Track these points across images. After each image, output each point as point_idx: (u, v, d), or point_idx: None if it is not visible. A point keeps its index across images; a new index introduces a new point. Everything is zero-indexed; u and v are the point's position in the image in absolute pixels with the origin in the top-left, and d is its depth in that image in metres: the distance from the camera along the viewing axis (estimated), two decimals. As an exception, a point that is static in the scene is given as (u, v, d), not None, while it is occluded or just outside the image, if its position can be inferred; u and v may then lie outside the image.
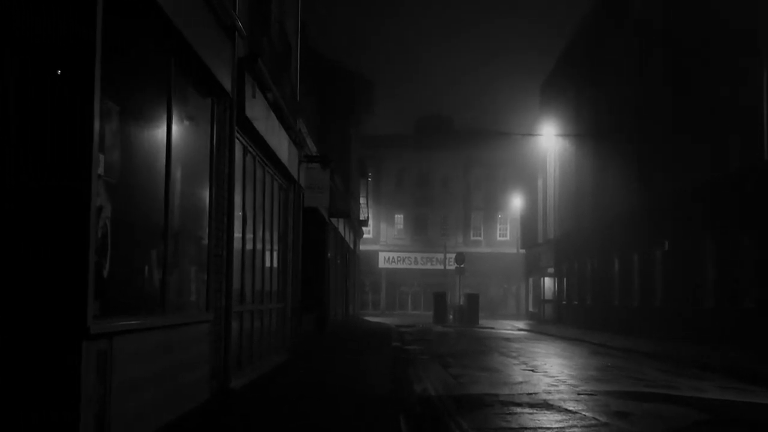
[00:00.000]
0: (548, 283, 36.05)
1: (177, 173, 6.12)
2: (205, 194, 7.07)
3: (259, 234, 10.05)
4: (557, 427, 6.68)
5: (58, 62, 4.14)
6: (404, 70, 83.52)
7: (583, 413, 7.42)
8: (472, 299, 33.17)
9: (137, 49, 5.22)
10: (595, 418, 7.14)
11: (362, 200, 36.29)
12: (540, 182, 37.17)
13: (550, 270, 35.22)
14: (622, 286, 24.87)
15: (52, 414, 4.05)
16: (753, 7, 16.40)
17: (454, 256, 38.85)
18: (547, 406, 7.87)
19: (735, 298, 17.00)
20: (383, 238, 49.41)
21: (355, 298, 37.24)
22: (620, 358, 15.04)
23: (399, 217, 49.88)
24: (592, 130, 28.17)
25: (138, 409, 5.05)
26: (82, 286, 4.11)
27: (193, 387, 6.56)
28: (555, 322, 32.76)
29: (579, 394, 8.87)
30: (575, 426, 6.75)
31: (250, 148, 9.04)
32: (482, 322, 33.93)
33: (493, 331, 27.52)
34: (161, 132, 5.74)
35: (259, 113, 8.90)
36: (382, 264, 48.85)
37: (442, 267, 45.78)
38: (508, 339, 21.77)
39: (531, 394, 8.81)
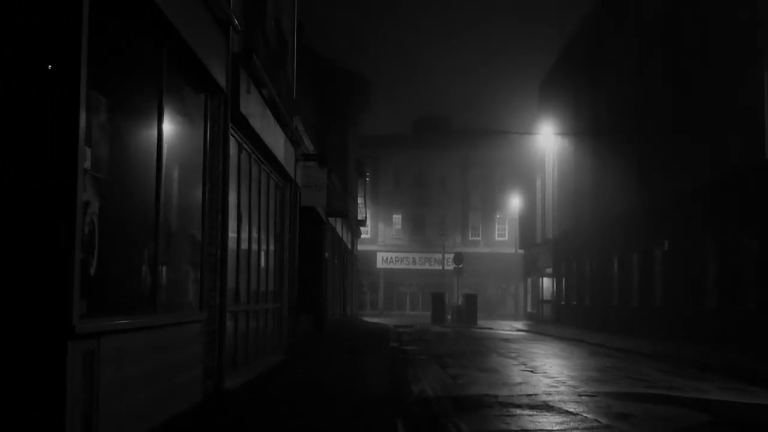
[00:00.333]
0: (547, 283, 35.95)
1: (169, 169, 5.98)
2: (199, 191, 6.93)
3: (255, 233, 9.91)
4: (558, 429, 6.55)
5: (42, 51, 4.00)
6: (402, 71, 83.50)
7: (584, 415, 7.29)
8: (471, 299, 33.06)
9: (127, 41, 5.08)
10: (596, 420, 7.01)
11: (360, 200, 36.17)
12: (538, 182, 37.07)
13: (549, 270, 35.12)
14: (621, 286, 24.77)
15: (37, 415, 3.92)
16: (753, 6, 16.31)
17: (452, 256, 38.75)
18: (547, 407, 7.74)
19: (736, 299, 16.89)
20: (381, 238, 49.29)
21: (353, 298, 37.11)
22: (620, 358, 14.92)
23: (397, 217, 49.77)
24: (591, 130, 28.07)
25: (128, 410, 4.91)
26: (67, 284, 3.97)
27: (186, 388, 6.42)
28: (553, 322, 32.66)
29: (579, 395, 8.74)
30: (576, 428, 6.62)
31: (245, 145, 8.90)
32: (480, 322, 33.83)
33: (491, 331, 27.42)
34: (152, 127, 5.59)
35: (255, 110, 8.76)
36: (380, 264, 48.73)
37: (440, 267, 45.69)
38: (506, 339, 21.66)
39: (531, 395, 8.69)
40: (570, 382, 10.08)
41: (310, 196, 14.48)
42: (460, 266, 36.61)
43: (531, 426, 6.72)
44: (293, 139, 12.38)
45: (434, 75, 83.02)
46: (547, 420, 7.01)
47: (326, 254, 21.27)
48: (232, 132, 8.09)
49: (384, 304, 48.70)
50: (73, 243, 3.99)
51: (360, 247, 42.69)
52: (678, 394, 9.03)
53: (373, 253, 48.35)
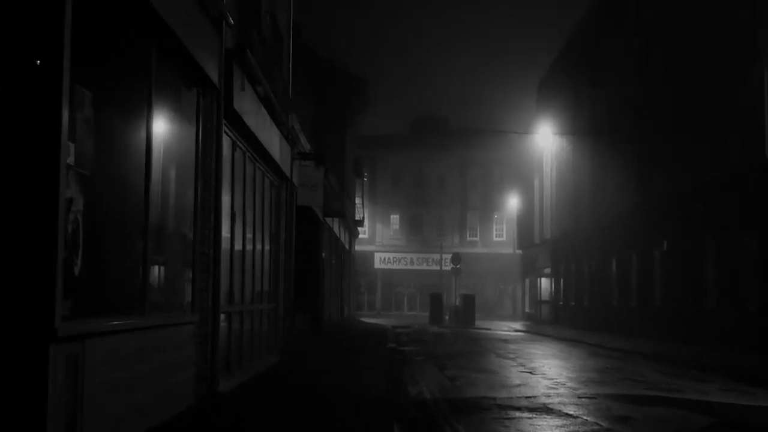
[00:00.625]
0: (545, 283, 35.84)
1: (159, 166, 5.82)
2: (191, 189, 6.78)
3: (250, 232, 9.76)
4: (558, 433, 6.42)
5: (23, 41, 3.84)
6: (401, 70, 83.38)
7: (584, 418, 7.16)
8: (468, 300, 32.94)
9: (114, 34, 4.93)
10: (597, 423, 6.87)
11: (358, 200, 36.02)
12: (537, 182, 36.96)
13: (547, 270, 35.00)
14: (620, 286, 24.66)
15: (17, 421, 3.76)
16: (753, 6, 16.21)
17: (450, 256, 38.62)
18: (546, 410, 7.60)
19: (735, 299, 16.78)
20: (379, 238, 49.15)
21: (351, 298, 36.96)
22: (619, 359, 14.80)
23: (395, 218, 49.63)
24: (590, 129, 27.96)
25: (116, 415, 4.75)
26: (49, 284, 3.81)
27: (178, 390, 6.27)
28: (552, 322, 32.54)
29: (579, 397, 8.61)
30: None
31: (239, 143, 8.75)
32: (478, 323, 33.72)
33: (489, 332, 27.29)
34: (141, 122, 5.44)
35: (249, 107, 8.61)
36: (377, 264, 48.58)
37: (438, 267, 45.55)
38: (504, 340, 21.53)
39: (530, 397, 8.55)
40: (569, 384, 9.95)
41: (306, 195, 14.33)
42: (458, 266, 36.49)
43: (530, 429, 6.58)
44: (289, 138, 12.23)
45: (433, 75, 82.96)
46: (546, 423, 6.87)
47: (323, 254, 21.12)
48: (226, 129, 7.94)
49: (382, 304, 48.55)
50: (55, 241, 3.84)
51: (358, 248, 42.54)
52: (678, 396, 8.90)
53: (371, 254, 48.21)
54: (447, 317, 35.28)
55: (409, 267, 48.82)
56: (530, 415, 7.25)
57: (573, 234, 30.32)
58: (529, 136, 36.68)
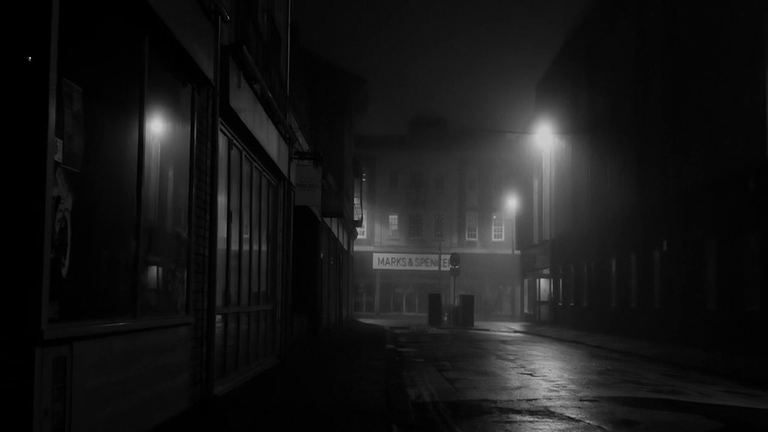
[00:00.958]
0: (544, 284, 35.73)
1: (152, 164, 5.67)
2: (185, 188, 6.62)
3: (246, 232, 9.61)
4: (561, 437, 6.28)
5: (7, 31, 3.69)
6: (399, 71, 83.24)
7: (587, 421, 7.01)
8: (467, 301, 32.82)
9: (104, 25, 4.77)
10: (600, 427, 6.73)
11: (356, 200, 35.89)
12: (536, 183, 36.85)
13: (546, 271, 34.89)
14: (619, 287, 24.54)
15: (1, 428, 3.60)
16: (754, 6, 16.10)
17: (448, 257, 38.49)
18: (548, 413, 7.46)
19: (736, 300, 16.66)
20: (377, 239, 49.00)
21: (349, 299, 36.81)
22: (620, 361, 14.67)
23: (393, 218, 49.49)
24: (589, 130, 27.85)
25: (105, 421, 4.60)
26: (35, 286, 3.66)
27: (171, 395, 6.11)
28: (551, 323, 32.43)
29: (581, 400, 8.47)
30: (580, 436, 6.35)
31: (235, 142, 8.60)
32: (477, 323, 33.61)
33: (488, 333, 27.18)
34: (133, 118, 5.29)
35: (245, 104, 8.46)
36: (376, 265, 48.43)
37: (436, 268, 45.42)
38: (504, 341, 21.41)
39: (531, 400, 8.41)
40: (570, 386, 9.81)
41: (304, 195, 14.17)
42: (457, 267, 36.36)
43: (532, 434, 6.45)
44: (287, 137, 12.08)
45: (431, 75, 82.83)
46: (548, 427, 6.73)
47: (321, 255, 20.97)
48: (222, 127, 7.79)
49: (380, 305, 48.40)
50: (41, 241, 3.69)
51: (356, 248, 42.39)
52: (683, 399, 8.77)
53: (369, 254, 48.06)
54: (446, 318, 35.15)
55: (407, 268, 48.68)
56: (532, 419, 7.11)
57: (572, 234, 30.20)
58: (529, 137, 36.58)
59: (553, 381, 10.45)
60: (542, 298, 35.74)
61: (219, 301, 7.84)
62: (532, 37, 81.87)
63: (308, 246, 18.45)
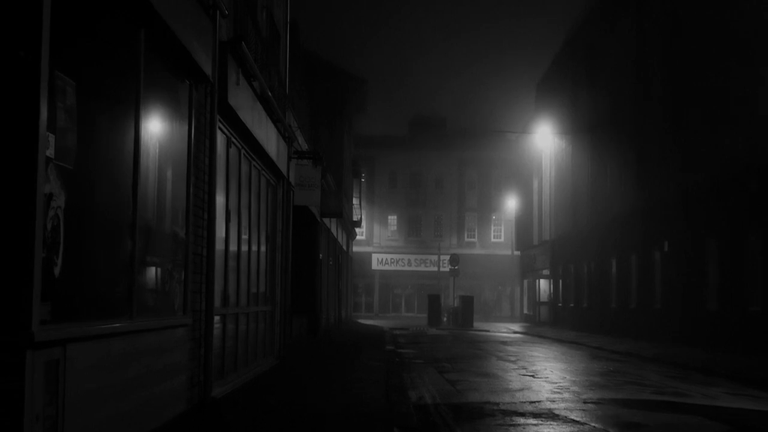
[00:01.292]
0: (544, 285, 35.62)
1: (148, 161, 5.54)
2: (183, 186, 6.49)
3: (245, 232, 9.48)
4: (566, 441, 6.16)
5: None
6: (398, 71, 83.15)
7: (592, 424, 6.89)
8: (467, 301, 32.70)
9: (98, 17, 4.64)
10: (605, 430, 6.61)
11: (355, 201, 35.75)
12: (535, 183, 36.74)
13: (546, 272, 34.78)
14: (619, 287, 24.43)
15: (-9, 434, 3.48)
16: (755, 4, 16.00)
17: (448, 257, 38.37)
18: (552, 416, 7.33)
19: (738, 301, 16.55)
20: (376, 239, 48.87)
21: (348, 300, 36.67)
22: (621, 362, 14.56)
23: (392, 219, 49.36)
24: (589, 130, 27.75)
25: (99, 425, 4.47)
26: (26, 286, 3.53)
27: (168, 397, 5.98)
28: (550, 324, 32.31)
29: (585, 402, 8.35)
30: (585, 439, 6.23)
31: (234, 140, 8.47)
32: (477, 324, 33.51)
33: (488, 333, 27.07)
34: (129, 114, 5.15)
35: (244, 102, 8.33)
36: (375, 266, 48.30)
37: (435, 269, 45.30)
38: (504, 342, 21.30)
39: (534, 402, 8.29)
40: (573, 388, 9.70)
41: (303, 195, 14.05)
42: (456, 268, 36.23)
43: (537, 437, 6.33)
44: (286, 136, 11.95)
45: (431, 75, 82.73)
46: (553, 430, 6.61)
47: (321, 255, 20.84)
48: (220, 125, 7.67)
49: (379, 306, 48.26)
50: (32, 239, 3.56)
51: (355, 249, 42.26)
52: (687, 401, 8.65)
53: (368, 255, 47.92)
54: (445, 319, 35.02)
55: (406, 268, 48.55)
56: (536, 422, 6.99)
57: (572, 235, 30.10)
58: (528, 138, 36.48)
59: (556, 383, 10.33)
60: (542, 299, 35.63)
61: (217, 301, 7.71)
62: (532, 37, 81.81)
63: (307, 246, 18.33)
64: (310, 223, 18.33)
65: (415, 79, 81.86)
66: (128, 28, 5.08)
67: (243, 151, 9.05)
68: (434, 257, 45.96)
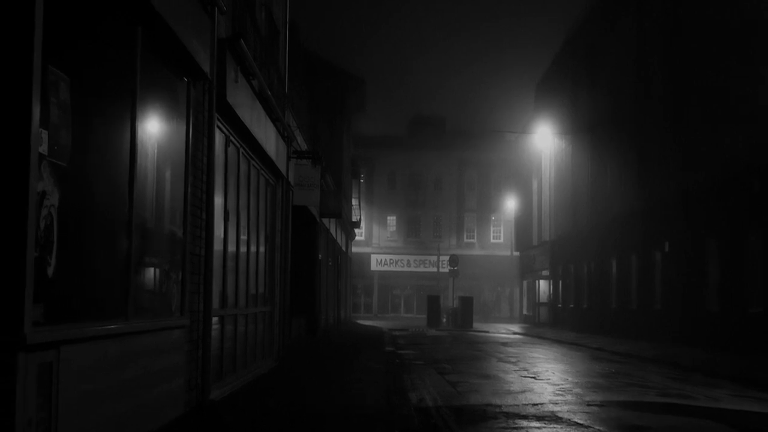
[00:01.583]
0: (543, 285, 35.52)
1: (145, 159, 5.43)
2: (180, 185, 6.38)
3: (244, 231, 9.36)
4: (570, 444, 6.05)
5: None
6: (398, 71, 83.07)
7: (597, 427, 6.79)
8: (466, 302, 32.60)
9: (94, 12, 4.53)
10: (610, 434, 6.52)
11: (354, 201, 35.64)
12: (535, 184, 36.66)
13: (545, 272, 34.69)
14: (619, 288, 24.34)
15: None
16: (756, 4, 15.92)
17: (447, 258, 38.26)
18: (555, 418, 7.23)
19: (739, 302, 16.47)
20: (375, 240, 48.77)
21: (347, 301, 36.55)
22: (623, 363, 14.46)
23: (391, 219, 49.26)
24: (589, 130, 27.67)
25: (94, 429, 4.36)
26: (17, 287, 3.42)
27: (165, 400, 5.87)
28: (550, 325, 32.21)
29: (588, 404, 8.24)
30: (590, 442, 6.13)
31: (232, 138, 8.36)
32: (476, 325, 33.41)
33: (488, 334, 26.97)
34: (125, 111, 5.04)
35: (243, 100, 8.22)
36: (374, 266, 48.19)
37: (435, 269, 45.21)
38: (504, 343, 21.20)
39: (536, 404, 8.18)
40: (576, 390, 9.59)
41: (302, 194, 13.94)
42: (456, 268, 36.13)
43: (541, 440, 6.22)
44: (285, 135, 11.84)
45: (430, 75, 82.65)
46: (557, 433, 6.51)
47: (320, 256, 20.73)
48: (218, 123, 7.56)
49: (378, 307, 48.15)
50: (24, 238, 3.45)
51: (354, 249, 42.15)
52: (691, 403, 8.55)
53: (368, 256, 47.81)
54: (444, 320, 34.92)
55: (405, 269, 48.45)
56: (539, 425, 6.88)
57: (572, 235, 30.00)
58: (528, 138, 36.39)
59: (558, 385, 10.22)
60: (541, 300, 35.54)
61: (215, 303, 7.60)
62: (531, 37, 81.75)
63: (306, 247, 18.22)
64: (310, 223, 18.22)
65: (414, 79, 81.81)
66: (125, 24, 4.97)
67: (242, 150, 8.94)
68: (433, 258, 45.87)
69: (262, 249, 10.80)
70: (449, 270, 36.63)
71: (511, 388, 9.69)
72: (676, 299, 19.68)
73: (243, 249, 9.34)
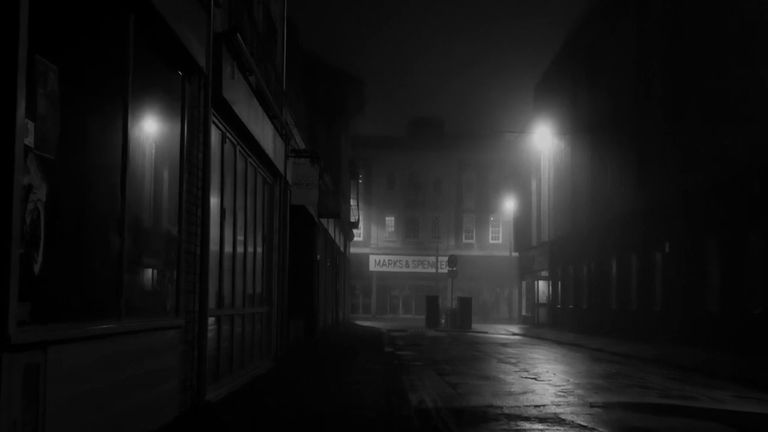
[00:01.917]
0: (542, 286, 35.40)
1: (138, 154, 5.28)
2: (175, 181, 6.23)
3: (241, 230, 9.22)
4: (574, 447, 5.92)
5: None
6: (397, 72, 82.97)
7: (601, 429, 6.65)
8: (465, 303, 32.47)
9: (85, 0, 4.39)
10: (615, 436, 6.39)
11: (353, 202, 35.49)
12: (534, 184, 36.55)
13: (544, 273, 34.57)
14: (619, 289, 24.23)
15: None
16: (755, 4, 15.82)
17: (445, 259, 38.13)
18: (558, 420, 7.09)
19: (739, 302, 16.36)
20: (374, 240, 48.63)
21: (346, 302, 36.40)
22: (623, 364, 14.34)
23: (390, 220, 49.13)
24: (589, 130, 27.56)
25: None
26: (1, 284, 3.27)
27: (159, 402, 5.73)
28: (549, 326, 32.09)
29: (591, 406, 8.11)
30: (594, 445, 6.00)
31: (229, 135, 8.22)
32: (475, 326, 33.30)
33: (487, 335, 26.84)
34: (117, 104, 4.90)
35: (240, 97, 8.08)
36: (372, 267, 48.05)
37: (433, 270, 45.09)
38: (504, 344, 21.07)
39: (538, 406, 8.04)
40: (578, 391, 9.46)
41: (300, 194, 13.80)
42: (455, 269, 36.00)
43: (544, 443, 6.09)
44: (283, 134, 11.70)
45: (429, 76, 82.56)
46: (560, 436, 6.38)
47: (318, 256, 20.58)
48: (215, 119, 7.41)
49: (377, 307, 48.00)
50: (8, 234, 3.30)
51: (352, 250, 42.01)
52: (695, 405, 8.42)
53: (366, 256, 47.67)
54: (443, 320, 34.79)
55: (404, 270, 48.32)
56: (542, 427, 6.75)
57: (571, 236, 29.89)
58: (527, 139, 36.30)
59: (559, 386, 10.09)
60: (540, 301, 35.42)
61: (212, 302, 7.46)
62: (531, 38, 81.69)
63: (304, 247, 18.08)
64: (308, 223, 18.08)
65: (414, 80, 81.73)
66: (116, 12, 4.82)
67: (239, 148, 8.80)
68: (432, 259, 45.75)
69: (259, 248, 10.66)
70: (448, 271, 36.50)
71: (512, 390, 9.55)
72: (676, 300, 19.57)
73: (240, 248, 9.20)
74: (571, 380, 10.95)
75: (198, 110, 6.69)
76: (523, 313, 39.71)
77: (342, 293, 32.51)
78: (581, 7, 29.12)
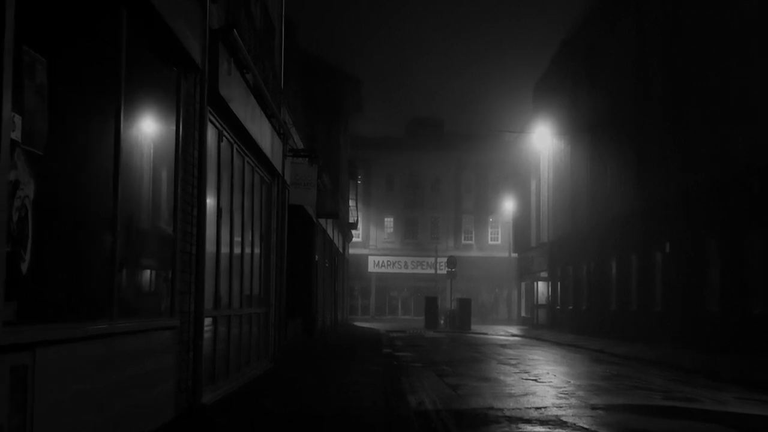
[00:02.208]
0: (542, 287, 35.30)
1: (131, 151, 5.17)
2: (170, 180, 6.12)
3: (238, 230, 9.10)
4: (577, 450, 5.81)
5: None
6: (396, 72, 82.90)
7: (603, 432, 6.55)
8: (464, 304, 32.36)
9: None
10: (619, 439, 6.28)
11: (351, 202, 35.37)
12: (533, 185, 36.46)
13: (544, 274, 34.46)
14: (619, 289, 24.13)
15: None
16: (755, 4, 15.75)
17: (444, 260, 38.03)
18: (560, 423, 6.98)
19: (739, 302, 16.26)
20: (373, 241, 48.51)
21: (344, 303, 36.28)
22: (624, 365, 14.24)
23: (389, 221, 49.01)
24: (588, 130, 27.48)
25: (75, 436, 4.09)
26: (-14, 282, 3.16)
27: (153, 405, 5.61)
28: (548, 327, 31.99)
29: (593, 408, 8.00)
30: (597, 448, 5.89)
31: (226, 133, 8.10)
32: (474, 327, 33.19)
33: (486, 336, 26.74)
34: (109, 100, 4.78)
35: (237, 94, 7.97)
36: (371, 268, 47.92)
37: (432, 271, 44.96)
38: (503, 345, 20.97)
39: (539, 408, 7.93)
40: (579, 393, 9.35)
41: (299, 193, 13.68)
42: (454, 270, 35.89)
43: (546, 446, 5.98)
44: (281, 132, 11.58)
45: (428, 76, 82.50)
46: (562, 438, 6.27)
47: (316, 257, 20.46)
48: (211, 117, 7.30)
49: (375, 308, 47.87)
50: (-6, 231, 3.19)
51: (351, 251, 41.88)
52: (698, 407, 8.32)
53: (365, 257, 47.55)
54: (442, 322, 34.68)
55: (403, 271, 48.20)
56: (544, 429, 6.64)
57: (571, 236, 29.79)
58: (526, 140, 36.22)
59: (560, 387, 9.98)
60: (540, 302, 35.31)
61: (208, 303, 7.34)
62: (531, 37, 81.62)
63: (303, 247, 17.95)
64: (306, 223, 17.96)
65: (413, 80, 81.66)
66: (108, 5, 4.71)
67: (236, 146, 8.68)
68: (431, 260, 45.62)
69: (257, 249, 10.54)
70: (447, 272, 36.39)
71: (513, 391, 9.44)
72: (677, 300, 19.47)
73: (237, 249, 9.08)
74: (572, 382, 10.84)
75: (194, 107, 6.58)
76: (523, 314, 39.60)
77: (341, 294, 32.39)
78: (581, 7, 29.04)
